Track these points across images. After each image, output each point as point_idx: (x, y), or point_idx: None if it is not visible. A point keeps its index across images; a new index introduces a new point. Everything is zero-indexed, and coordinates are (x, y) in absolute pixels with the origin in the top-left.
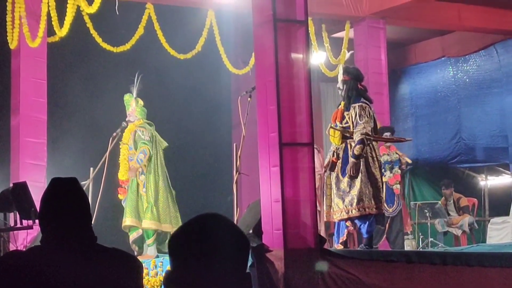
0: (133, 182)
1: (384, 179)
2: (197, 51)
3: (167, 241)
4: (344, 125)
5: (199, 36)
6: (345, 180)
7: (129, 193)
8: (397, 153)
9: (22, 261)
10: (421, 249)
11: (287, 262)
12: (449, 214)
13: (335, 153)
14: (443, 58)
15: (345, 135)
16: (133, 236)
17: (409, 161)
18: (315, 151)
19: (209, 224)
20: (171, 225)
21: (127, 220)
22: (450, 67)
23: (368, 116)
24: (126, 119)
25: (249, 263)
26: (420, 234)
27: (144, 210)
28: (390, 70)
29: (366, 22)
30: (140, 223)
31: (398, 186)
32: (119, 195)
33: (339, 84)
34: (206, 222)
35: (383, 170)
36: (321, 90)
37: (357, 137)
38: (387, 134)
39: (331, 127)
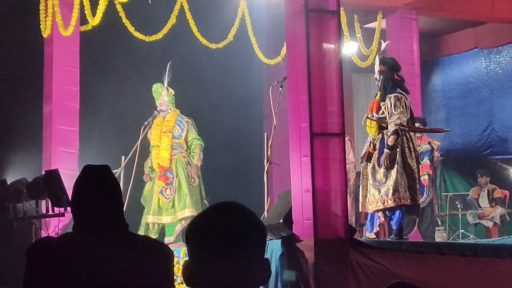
0: (181, 174)
1: None
2: (229, 41)
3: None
4: (380, 116)
5: (231, 25)
6: (381, 171)
7: (183, 185)
8: (429, 143)
9: (54, 247)
10: (452, 241)
11: (317, 252)
12: (480, 207)
13: (371, 144)
14: (475, 49)
15: (382, 125)
16: (177, 228)
17: (438, 143)
18: (349, 142)
19: (226, 213)
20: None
21: (187, 211)
22: (483, 58)
23: (404, 106)
24: (158, 109)
25: (279, 253)
26: (451, 225)
27: (199, 202)
28: (422, 61)
29: (398, 13)
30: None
31: (426, 177)
32: (160, 182)
33: (376, 75)
34: (223, 211)
35: None
36: (352, 81)
37: (391, 127)
38: (418, 125)
39: (367, 117)
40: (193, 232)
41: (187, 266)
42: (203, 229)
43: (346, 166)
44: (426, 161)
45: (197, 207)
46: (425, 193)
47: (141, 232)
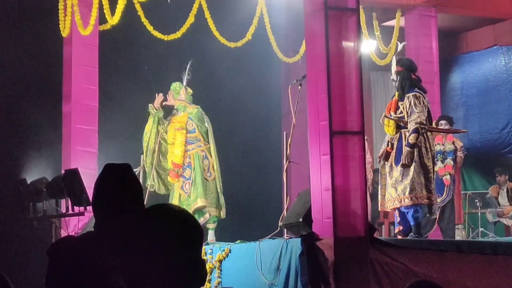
0: (197, 167)
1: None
2: (248, 39)
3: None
4: (398, 115)
5: (250, 24)
6: (398, 169)
7: (197, 178)
8: (453, 143)
9: (75, 246)
10: (471, 239)
11: (337, 250)
12: (499, 205)
13: (389, 143)
14: (494, 47)
15: (400, 124)
16: (200, 221)
17: (461, 143)
18: (366, 142)
19: (152, 214)
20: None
21: (199, 201)
22: (502, 56)
23: (423, 105)
24: (175, 107)
25: (299, 251)
26: (470, 224)
27: (216, 197)
28: (441, 59)
29: (417, 11)
30: (207, 206)
31: (448, 177)
32: (169, 179)
33: (393, 76)
34: (150, 213)
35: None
36: (371, 79)
37: (411, 126)
38: (442, 123)
39: (385, 116)
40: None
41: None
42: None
43: (368, 166)
44: (449, 161)
45: (212, 200)
46: (444, 193)
47: None
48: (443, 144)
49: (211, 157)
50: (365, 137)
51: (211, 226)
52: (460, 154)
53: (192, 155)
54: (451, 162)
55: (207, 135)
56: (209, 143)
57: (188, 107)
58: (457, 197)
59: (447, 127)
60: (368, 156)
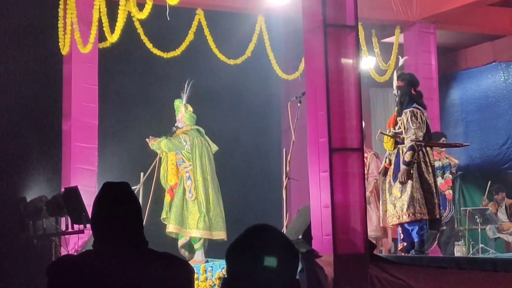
0: (180, 187)
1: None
2: (247, 56)
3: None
4: (397, 131)
5: (249, 41)
6: (396, 186)
7: (176, 198)
8: (446, 158)
9: (74, 266)
10: (471, 256)
11: (336, 267)
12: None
13: (387, 159)
14: (494, 63)
15: (397, 140)
16: (181, 241)
17: (456, 161)
18: (373, 156)
19: (261, 235)
20: (224, 231)
21: (170, 227)
22: (501, 72)
23: (420, 121)
24: (175, 125)
25: (298, 268)
26: (470, 240)
27: (197, 219)
28: (440, 75)
29: (416, 27)
30: (183, 230)
31: (450, 191)
32: (167, 196)
33: (394, 91)
34: (259, 233)
35: None
36: (370, 96)
37: (407, 143)
38: (443, 140)
39: (381, 132)
40: (232, 253)
41: (224, 282)
42: (240, 250)
43: (372, 180)
44: (448, 175)
45: (192, 222)
46: (447, 208)
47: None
48: (440, 160)
49: (195, 178)
50: (374, 153)
51: (196, 246)
52: (453, 169)
53: (181, 175)
54: (450, 176)
55: (194, 156)
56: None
57: (185, 127)
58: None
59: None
60: (375, 171)
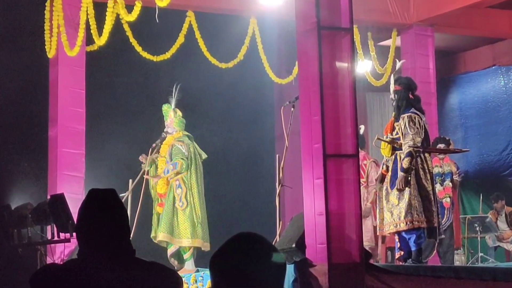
0: (169, 196)
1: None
2: (239, 60)
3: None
4: (394, 136)
5: (241, 44)
6: (394, 193)
7: (166, 207)
8: (448, 165)
9: (58, 274)
10: (470, 265)
11: (331, 277)
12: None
13: (384, 165)
14: (493, 67)
15: (395, 146)
16: (171, 250)
17: (455, 168)
18: (373, 164)
19: (247, 244)
20: (208, 243)
21: (160, 236)
22: (501, 76)
23: (418, 126)
24: (165, 130)
25: (292, 278)
26: (470, 249)
27: (188, 228)
28: (438, 79)
29: (413, 30)
30: (172, 239)
31: (448, 199)
32: (157, 208)
33: (391, 95)
34: (245, 242)
35: None
36: (366, 100)
37: (405, 149)
38: (441, 146)
39: (378, 138)
40: (216, 261)
41: None
42: (226, 259)
43: (372, 189)
44: (448, 183)
45: (184, 231)
46: (445, 216)
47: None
48: (441, 166)
49: (186, 186)
50: (374, 160)
51: (186, 256)
52: (456, 177)
53: (170, 184)
54: (450, 184)
55: (191, 164)
56: (188, 172)
57: (175, 132)
58: (455, 221)
59: None
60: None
